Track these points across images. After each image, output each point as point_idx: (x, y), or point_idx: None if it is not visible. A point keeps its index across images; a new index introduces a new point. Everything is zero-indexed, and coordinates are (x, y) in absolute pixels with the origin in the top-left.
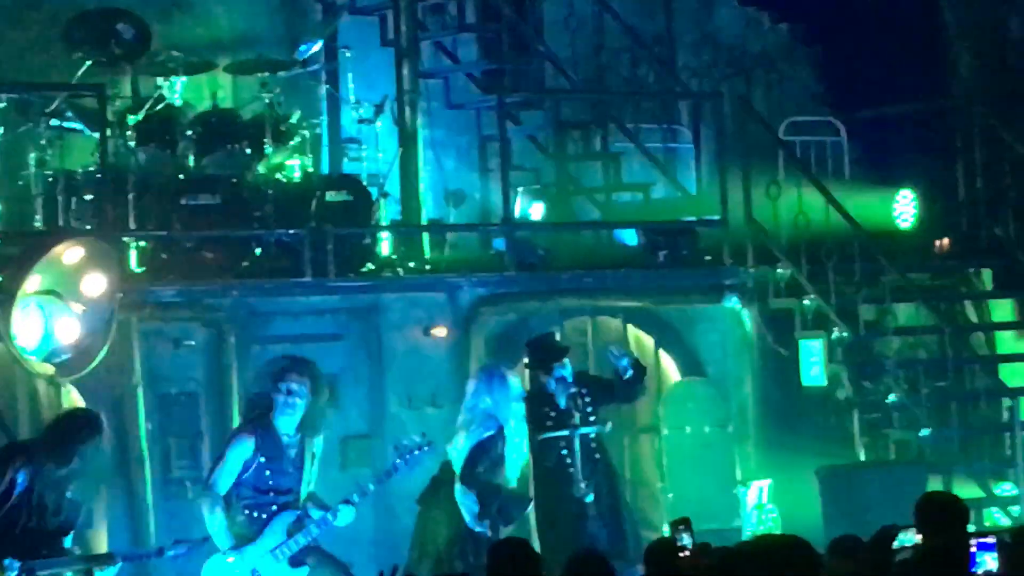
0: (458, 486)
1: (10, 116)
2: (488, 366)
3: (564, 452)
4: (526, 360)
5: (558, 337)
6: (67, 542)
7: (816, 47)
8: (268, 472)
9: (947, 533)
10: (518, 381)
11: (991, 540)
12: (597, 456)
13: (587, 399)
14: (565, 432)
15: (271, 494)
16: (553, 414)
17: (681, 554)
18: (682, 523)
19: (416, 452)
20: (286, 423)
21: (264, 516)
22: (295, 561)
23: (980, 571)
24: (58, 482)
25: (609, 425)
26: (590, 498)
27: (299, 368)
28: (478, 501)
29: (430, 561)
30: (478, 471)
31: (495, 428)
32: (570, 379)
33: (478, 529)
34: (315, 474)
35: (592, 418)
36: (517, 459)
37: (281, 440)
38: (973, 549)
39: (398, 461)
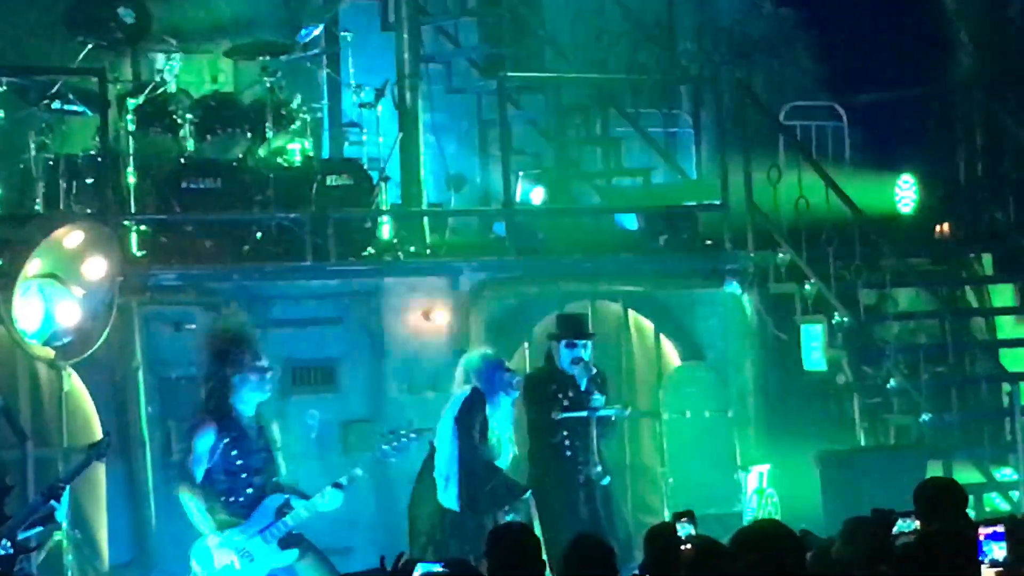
0: (441, 461)
1: (10, 100)
2: (488, 359)
3: (566, 433)
4: (551, 331)
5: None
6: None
7: (817, 32)
8: (235, 452)
9: (946, 518)
10: (517, 386)
11: (1000, 529)
12: (601, 441)
13: (603, 386)
14: (584, 413)
15: (243, 475)
16: (571, 394)
17: (682, 547)
18: (685, 515)
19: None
20: (252, 400)
21: (241, 499)
22: (285, 543)
23: (987, 559)
24: None
25: (629, 409)
26: (606, 480)
27: (257, 345)
28: (460, 479)
29: (422, 538)
30: (476, 442)
31: (470, 389)
32: (588, 360)
33: (446, 504)
34: (282, 460)
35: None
36: (504, 451)
37: (242, 421)
38: (981, 538)
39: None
